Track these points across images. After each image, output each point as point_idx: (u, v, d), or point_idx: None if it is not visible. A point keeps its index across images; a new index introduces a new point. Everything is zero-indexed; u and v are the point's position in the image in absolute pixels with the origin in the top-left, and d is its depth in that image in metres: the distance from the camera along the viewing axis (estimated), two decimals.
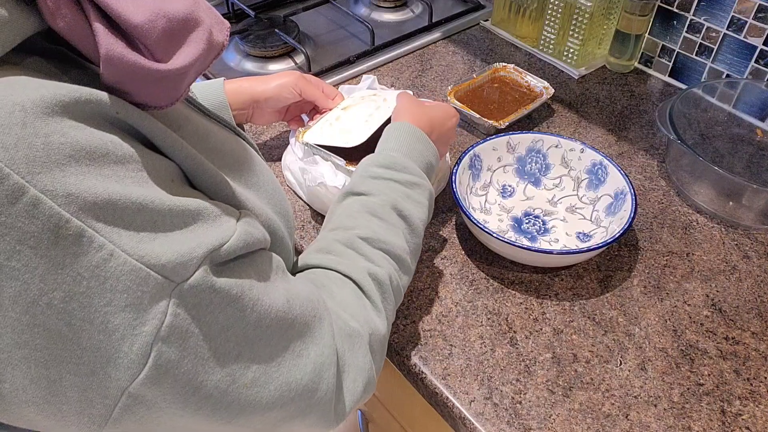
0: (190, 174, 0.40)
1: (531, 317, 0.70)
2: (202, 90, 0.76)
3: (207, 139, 0.45)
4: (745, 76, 0.97)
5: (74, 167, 0.31)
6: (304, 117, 0.86)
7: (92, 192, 0.31)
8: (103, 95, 0.33)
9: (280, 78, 0.80)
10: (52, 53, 0.34)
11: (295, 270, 0.56)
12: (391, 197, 0.59)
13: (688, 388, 0.64)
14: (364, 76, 0.94)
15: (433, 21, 1.19)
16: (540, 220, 0.81)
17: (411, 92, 0.73)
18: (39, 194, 0.29)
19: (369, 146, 0.71)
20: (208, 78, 0.95)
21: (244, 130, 0.84)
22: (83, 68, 0.35)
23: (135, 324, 0.33)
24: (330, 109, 0.83)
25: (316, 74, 1.02)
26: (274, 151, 0.90)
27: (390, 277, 0.56)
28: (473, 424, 0.61)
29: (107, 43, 0.32)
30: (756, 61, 0.95)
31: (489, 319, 0.69)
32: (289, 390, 0.44)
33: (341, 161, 0.76)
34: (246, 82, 0.80)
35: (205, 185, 0.41)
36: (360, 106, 0.80)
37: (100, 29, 0.32)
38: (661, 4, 1.03)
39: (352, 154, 0.80)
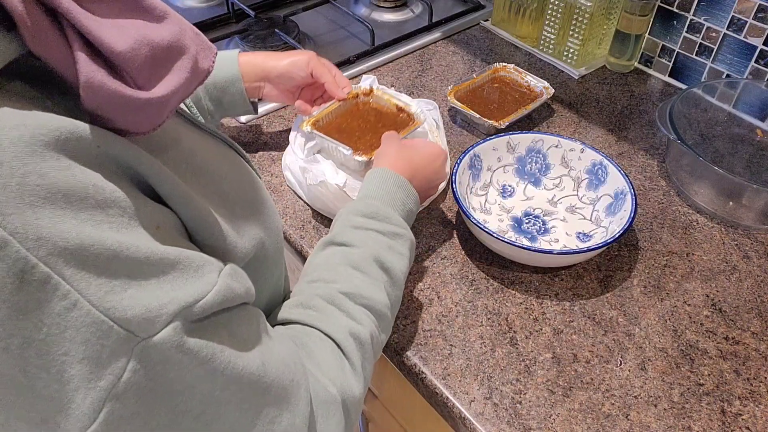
0: (174, 206, 0.39)
1: (531, 317, 0.70)
2: (216, 61, 0.76)
3: (193, 159, 0.43)
4: (745, 76, 0.97)
5: (48, 210, 0.30)
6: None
7: (64, 237, 0.30)
8: (84, 130, 0.32)
9: (293, 55, 0.79)
10: (36, 74, 0.33)
11: (275, 321, 0.55)
12: (374, 249, 0.58)
13: (688, 388, 0.64)
14: (364, 76, 0.94)
15: (433, 21, 1.19)
16: (540, 220, 0.81)
17: (396, 133, 0.73)
18: (7, 236, 0.28)
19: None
20: None
21: (256, 110, 0.84)
22: (66, 93, 0.34)
23: (90, 377, 0.32)
24: (338, 98, 0.82)
25: None
26: (274, 151, 0.90)
27: (371, 336, 0.54)
28: (473, 424, 0.60)
29: (87, 70, 0.31)
30: (756, 61, 0.95)
31: (489, 319, 0.69)
32: None
33: (348, 150, 0.76)
34: (260, 56, 0.80)
35: (188, 217, 0.40)
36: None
37: (81, 56, 0.31)
38: (661, 4, 1.03)
39: (357, 144, 0.80)
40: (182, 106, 0.50)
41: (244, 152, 0.54)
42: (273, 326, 0.53)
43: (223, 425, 0.39)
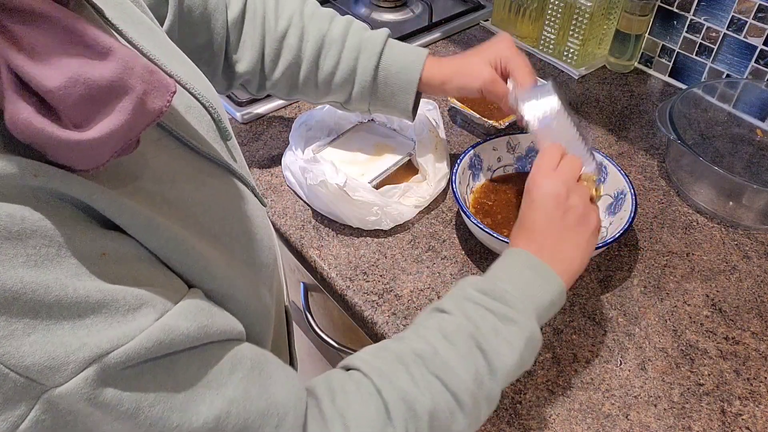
0: (138, 237, 0.37)
1: None
2: (397, 61, 0.73)
3: (172, 189, 0.41)
4: (745, 76, 0.97)
5: None
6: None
7: None
8: (12, 165, 0.31)
9: (468, 78, 0.73)
10: None
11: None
12: (475, 326, 0.50)
13: (688, 388, 0.64)
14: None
15: (433, 21, 1.19)
16: None
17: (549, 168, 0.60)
18: None
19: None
20: None
21: (412, 119, 0.79)
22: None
23: None
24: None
25: None
26: (274, 151, 0.90)
27: (432, 412, 0.46)
28: None
29: (13, 107, 0.30)
30: (756, 61, 0.95)
31: None
32: None
33: None
34: (437, 68, 0.74)
35: (156, 246, 0.38)
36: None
37: (8, 91, 0.30)
38: (661, 4, 1.03)
39: None
40: (193, 122, 0.49)
41: (249, 179, 0.53)
42: (343, 367, 0.50)
43: None
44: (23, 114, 0.30)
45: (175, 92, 0.36)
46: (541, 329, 0.68)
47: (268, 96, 0.98)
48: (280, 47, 0.74)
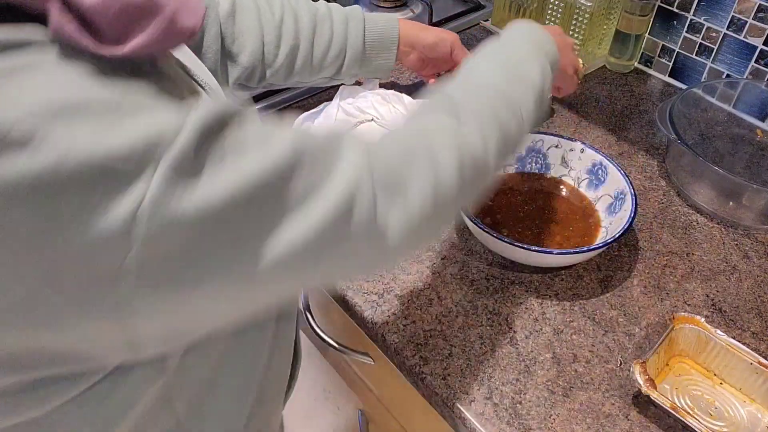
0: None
1: (531, 317, 0.70)
2: (378, 23, 0.84)
3: None
4: (745, 76, 0.97)
5: None
6: None
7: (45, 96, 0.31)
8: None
9: (440, 32, 0.88)
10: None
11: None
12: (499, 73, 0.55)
13: None
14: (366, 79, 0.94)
15: (433, 21, 1.18)
16: None
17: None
18: None
19: None
20: None
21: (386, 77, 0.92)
22: None
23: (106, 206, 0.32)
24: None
25: None
26: None
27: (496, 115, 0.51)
28: (473, 424, 0.61)
29: (58, 22, 0.32)
30: (756, 61, 0.95)
31: (489, 319, 0.69)
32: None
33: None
34: (413, 26, 0.88)
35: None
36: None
37: (53, 7, 0.32)
38: (661, 4, 1.03)
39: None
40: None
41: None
42: None
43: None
44: (68, 28, 0.32)
45: (204, 14, 0.40)
46: (541, 329, 0.68)
47: (268, 95, 0.98)
48: (279, 33, 0.79)
